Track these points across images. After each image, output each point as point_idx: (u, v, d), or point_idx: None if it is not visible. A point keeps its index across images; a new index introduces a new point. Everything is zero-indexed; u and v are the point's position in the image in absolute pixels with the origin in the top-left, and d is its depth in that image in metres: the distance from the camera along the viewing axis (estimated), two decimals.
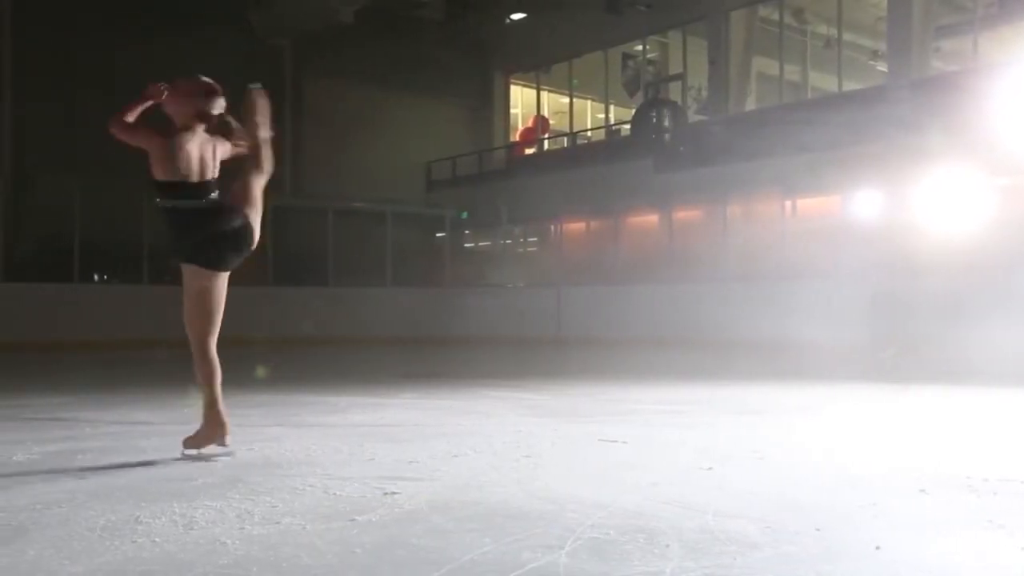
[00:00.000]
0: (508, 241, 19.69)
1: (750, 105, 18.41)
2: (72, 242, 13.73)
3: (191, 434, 3.78)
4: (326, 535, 2.51)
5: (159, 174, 3.72)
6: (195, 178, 3.74)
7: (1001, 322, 9.09)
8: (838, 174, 13.29)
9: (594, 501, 2.90)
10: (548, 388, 7.23)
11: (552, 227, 18.65)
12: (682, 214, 16.15)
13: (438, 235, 19.91)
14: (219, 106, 3.86)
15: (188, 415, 4.56)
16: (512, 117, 23.60)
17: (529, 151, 22.77)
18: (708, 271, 13.88)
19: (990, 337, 8.90)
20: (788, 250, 13.36)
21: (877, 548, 2.36)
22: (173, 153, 3.69)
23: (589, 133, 21.97)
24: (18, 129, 16.26)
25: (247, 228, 3.78)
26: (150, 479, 3.34)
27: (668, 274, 14.61)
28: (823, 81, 18.53)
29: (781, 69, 17.69)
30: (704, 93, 18.98)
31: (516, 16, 21.51)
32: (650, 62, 21.22)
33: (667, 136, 17.50)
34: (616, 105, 21.29)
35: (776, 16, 17.97)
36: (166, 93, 3.75)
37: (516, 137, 23.37)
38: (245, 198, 3.80)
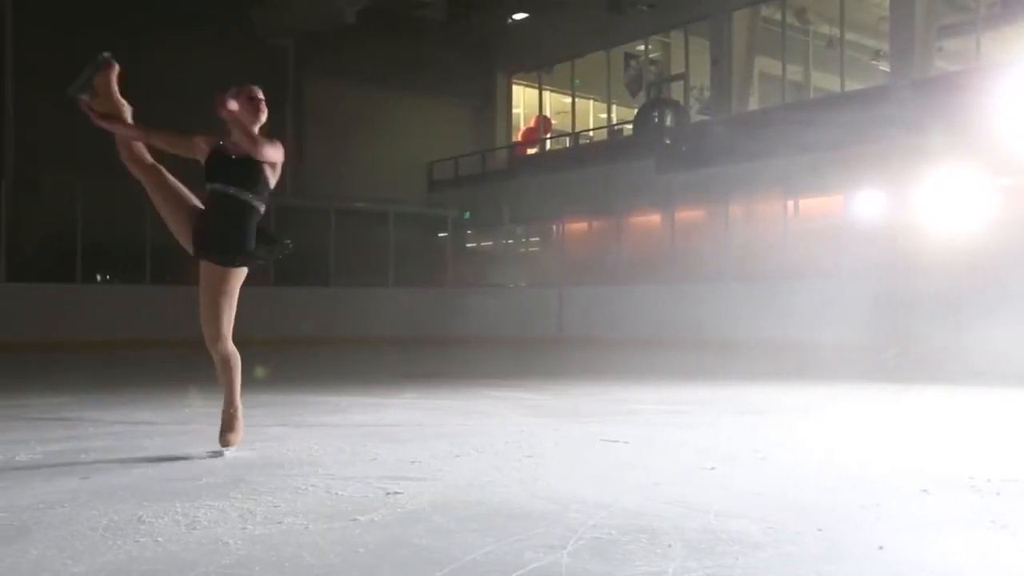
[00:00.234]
0: (510, 241, 19.69)
1: (752, 105, 18.40)
2: (74, 242, 13.73)
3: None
4: (328, 535, 2.51)
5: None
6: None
7: (1003, 322, 9.08)
8: (840, 174, 13.28)
9: (596, 501, 2.90)
10: (550, 388, 7.23)
11: (554, 227, 18.64)
12: (684, 214, 16.14)
13: (440, 235, 19.91)
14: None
15: (190, 415, 4.58)
16: (514, 117, 23.59)
17: (531, 151, 22.77)
18: (710, 271, 13.88)
19: (992, 337, 8.89)
20: (790, 250, 13.35)
21: (880, 548, 2.36)
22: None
23: (591, 133, 21.97)
24: (20, 129, 16.28)
25: None
26: (152, 479, 3.34)
27: (670, 274, 14.60)
28: (825, 81, 18.52)
29: (783, 69, 17.68)
30: (706, 93, 18.97)
31: (518, 16, 21.52)
32: (652, 62, 21.21)
33: (669, 136, 17.48)
34: (618, 105, 21.29)
35: (778, 16, 17.95)
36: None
37: (518, 137, 23.37)
38: None
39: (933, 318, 10.26)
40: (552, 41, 20.82)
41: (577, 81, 21.79)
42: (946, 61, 16.79)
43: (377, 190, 19.14)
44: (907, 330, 10.69)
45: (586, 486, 3.16)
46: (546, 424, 4.92)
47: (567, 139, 21.64)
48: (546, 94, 22.87)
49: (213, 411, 4.05)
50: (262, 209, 3.90)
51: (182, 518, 2.70)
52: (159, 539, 2.46)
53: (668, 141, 17.31)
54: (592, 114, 22.85)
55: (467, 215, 20.09)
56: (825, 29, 18.57)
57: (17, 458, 3.80)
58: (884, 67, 17.58)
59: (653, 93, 19.54)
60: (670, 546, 2.38)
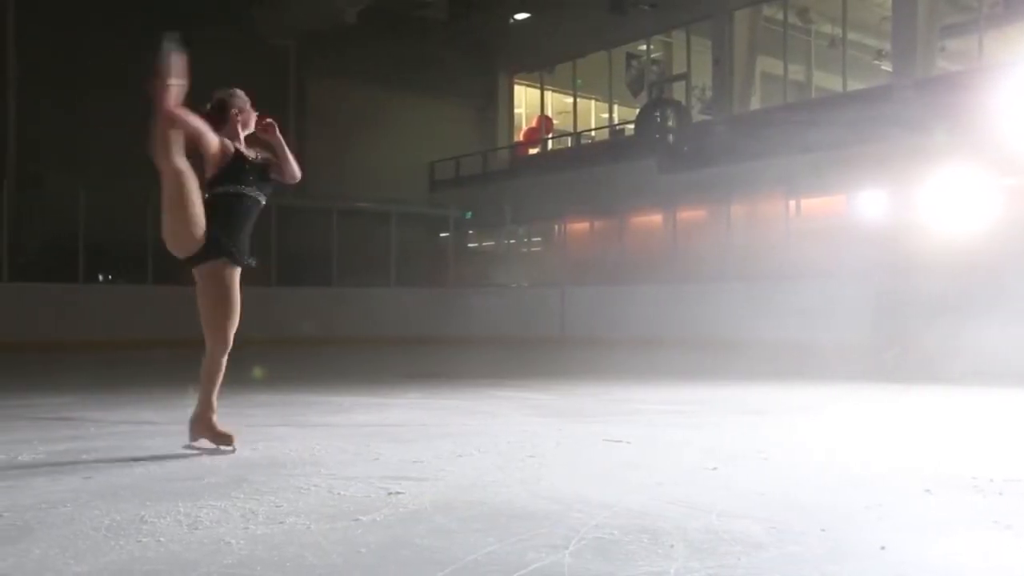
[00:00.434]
0: (512, 241, 19.69)
1: (754, 105, 18.38)
2: (77, 242, 13.75)
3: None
4: (330, 535, 2.51)
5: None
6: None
7: (1006, 323, 9.05)
8: (842, 174, 13.26)
9: (599, 501, 2.90)
10: (552, 388, 7.23)
11: (556, 227, 18.63)
12: (686, 214, 16.12)
13: (442, 235, 19.91)
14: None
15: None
16: (516, 117, 23.59)
17: (533, 151, 22.76)
18: (712, 271, 13.86)
19: (995, 338, 8.87)
20: (792, 250, 13.33)
21: (882, 548, 2.36)
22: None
23: (593, 133, 21.96)
24: (23, 130, 16.30)
25: None
26: (155, 479, 3.34)
27: (672, 274, 14.59)
28: (827, 81, 18.50)
29: (785, 69, 17.66)
30: (708, 93, 18.96)
31: (520, 16, 21.50)
32: (654, 62, 21.21)
33: (671, 136, 17.46)
34: (620, 105, 21.28)
35: (780, 16, 17.94)
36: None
37: (520, 137, 23.37)
38: None
39: (935, 318, 10.23)
40: (554, 41, 20.81)
41: (579, 81, 21.78)
42: (948, 61, 16.77)
43: (379, 190, 19.14)
44: (909, 330, 10.67)
45: (589, 486, 3.15)
46: (549, 424, 4.92)
47: (569, 139, 21.63)
48: (548, 94, 22.86)
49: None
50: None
51: (184, 518, 2.70)
52: (161, 539, 2.47)
53: (670, 141, 17.30)
54: (594, 114, 22.84)
55: (469, 215, 20.09)
56: (827, 29, 18.55)
57: (20, 458, 3.81)
58: (886, 67, 17.56)
59: (655, 93, 19.53)
60: (672, 546, 2.37)
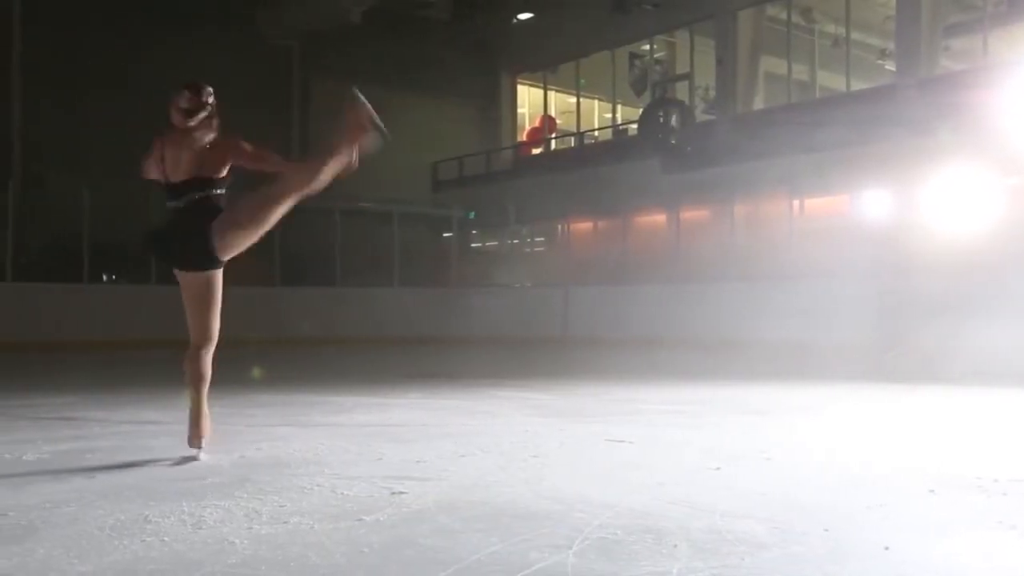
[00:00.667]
0: (515, 241, 19.69)
1: (758, 105, 18.35)
2: (80, 242, 13.77)
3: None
4: (334, 534, 2.51)
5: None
6: (173, 178, 3.72)
7: (1009, 323, 9.04)
8: (846, 174, 13.25)
9: (601, 501, 2.90)
10: (555, 388, 7.23)
11: (559, 227, 18.62)
12: (689, 214, 16.11)
13: (445, 235, 19.92)
14: (184, 100, 3.75)
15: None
16: (519, 117, 23.59)
17: (536, 151, 22.75)
18: (715, 271, 13.85)
19: (997, 337, 8.86)
20: (795, 250, 13.32)
21: (885, 549, 2.36)
22: (162, 153, 3.71)
23: (596, 133, 21.95)
24: (27, 130, 16.33)
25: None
26: (159, 478, 3.35)
27: (675, 274, 14.57)
28: (831, 80, 18.47)
29: (789, 68, 17.64)
30: (711, 93, 18.94)
31: (523, 16, 21.51)
32: (657, 62, 21.19)
33: (674, 136, 17.45)
34: (623, 105, 21.27)
35: (784, 15, 17.92)
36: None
37: (523, 137, 23.36)
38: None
39: (937, 318, 10.22)
40: (557, 41, 20.80)
41: (582, 81, 21.78)
42: (952, 60, 16.74)
43: (382, 190, 19.11)
44: (912, 330, 10.65)
45: (591, 486, 3.15)
46: (551, 424, 4.92)
47: (572, 139, 21.62)
48: (551, 94, 22.86)
49: (218, 411, 4.05)
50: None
51: (188, 518, 2.71)
52: (165, 538, 2.47)
53: (673, 141, 17.29)
54: (597, 114, 22.82)
55: (472, 215, 20.09)
56: (831, 28, 18.52)
57: (24, 457, 3.82)
58: (890, 66, 17.53)
59: (658, 93, 19.52)
60: (675, 546, 2.37)
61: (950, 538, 2.51)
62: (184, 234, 3.70)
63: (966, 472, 3.38)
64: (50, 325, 12.98)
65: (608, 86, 21.18)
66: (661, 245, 16.06)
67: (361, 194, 18.53)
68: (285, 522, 2.66)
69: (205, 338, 3.82)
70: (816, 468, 3.58)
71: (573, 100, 22.17)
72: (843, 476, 3.39)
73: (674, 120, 17.59)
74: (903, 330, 10.56)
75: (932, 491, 3.06)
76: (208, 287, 3.81)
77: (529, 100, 23.79)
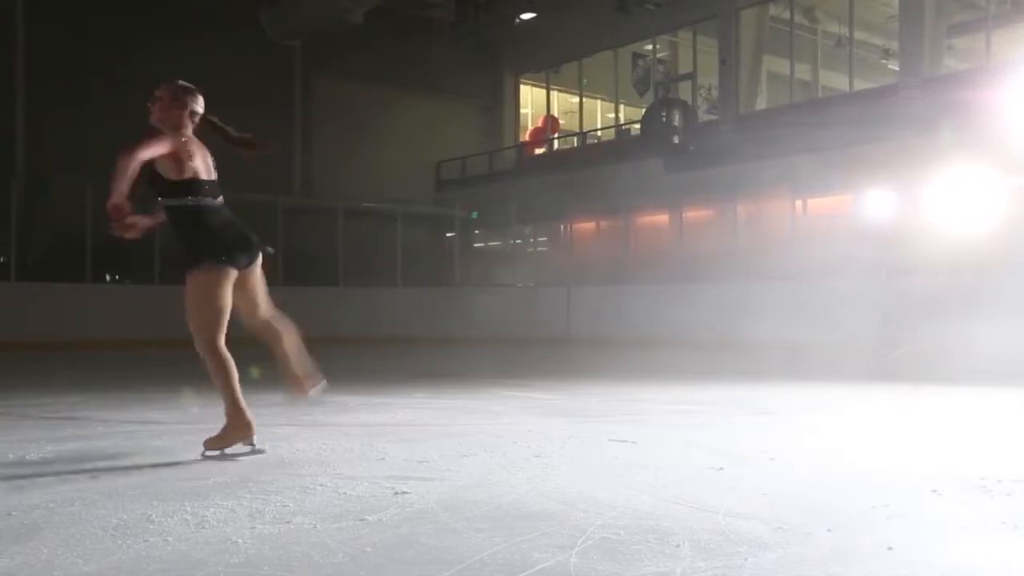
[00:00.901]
0: (518, 241, 19.68)
1: (760, 104, 18.35)
2: (84, 242, 13.79)
3: (213, 435, 3.80)
4: (337, 534, 2.51)
5: (175, 173, 3.73)
6: (205, 175, 3.79)
7: (1013, 322, 9.03)
8: (849, 173, 13.22)
9: (605, 501, 2.90)
10: (558, 388, 7.22)
11: (562, 227, 18.62)
12: (692, 214, 16.10)
13: (448, 235, 19.92)
14: (201, 104, 3.90)
15: (199, 415, 4.59)
16: (522, 117, 23.59)
17: (539, 151, 22.75)
18: (718, 271, 13.84)
19: (1001, 337, 8.84)
20: (798, 250, 13.30)
21: (889, 549, 2.35)
22: (189, 151, 3.73)
23: (599, 133, 21.94)
24: (31, 130, 16.35)
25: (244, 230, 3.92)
26: (162, 478, 3.35)
27: (678, 274, 14.57)
28: (834, 80, 18.45)
29: (792, 68, 17.63)
30: (714, 92, 18.93)
31: (526, 16, 21.49)
32: (660, 61, 21.19)
33: (677, 136, 17.45)
34: (626, 105, 21.26)
35: (787, 15, 17.91)
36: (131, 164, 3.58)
37: (526, 137, 23.36)
38: None
39: (942, 318, 10.20)
40: (560, 41, 20.81)
41: (585, 81, 21.78)
42: (956, 59, 16.72)
43: (385, 190, 19.16)
44: (915, 330, 10.64)
45: (595, 486, 3.15)
46: (554, 424, 4.92)
47: (575, 139, 21.62)
48: (554, 94, 22.86)
49: (220, 410, 4.05)
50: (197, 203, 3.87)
51: (191, 517, 2.71)
52: (168, 538, 2.47)
53: (676, 141, 17.29)
54: (600, 114, 22.82)
55: (475, 215, 20.09)
56: (834, 28, 18.51)
57: (28, 457, 3.82)
58: (893, 66, 17.52)
59: (661, 93, 19.51)
60: (679, 546, 2.37)
61: (954, 538, 2.50)
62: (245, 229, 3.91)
63: (970, 472, 3.37)
64: (53, 325, 13.00)
65: (611, 86, 21.17)
66: (664, 245, 16.05)
67: (364, 194, 18.59)
68: (288, 522, 2.66)
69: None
70: (819, 468, 3.58)
71: (576, 100, 22.17)
72: (846, 476, 3.39)
73: (677, 120, 17.58)
74: (907, 330, 10.54)
75: (935, 491, 3.05)
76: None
77: (532, 100, 23.80)
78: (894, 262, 11.43)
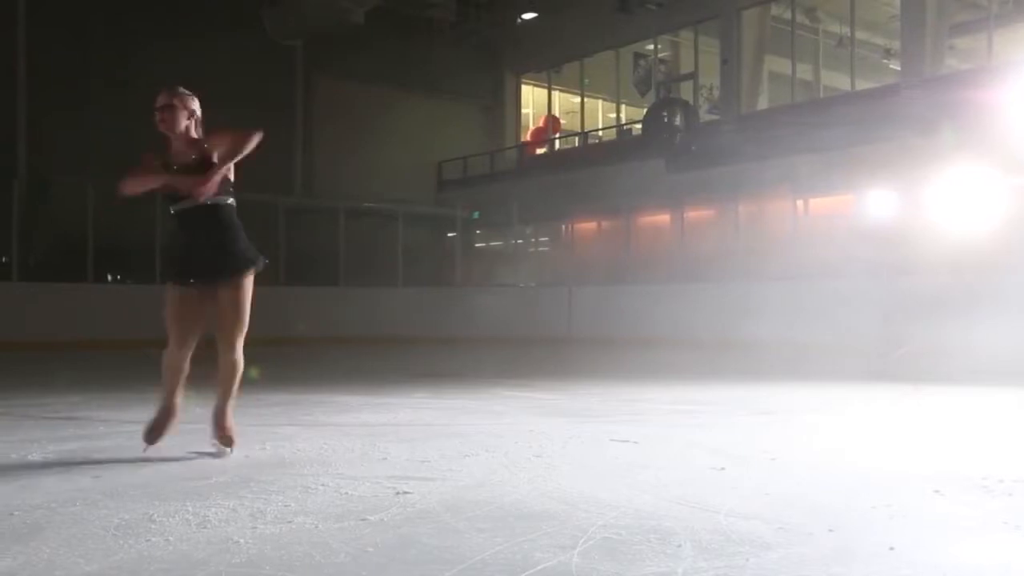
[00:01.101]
0: (519, 241, 19.68)
1: (762, 104, 18.34)
2: (86, 243, 13.80)
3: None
4: (338, 534, 2.52)
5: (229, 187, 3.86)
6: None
7: (1015, 322, 9.02)
8: (850, 173, 13.22)
9: (606, 501, 2.90)
10: (560, 388, 7.22)
11: (563, 227, 18.62)
12: (694, 213, 16.10)
13: (449, 235, 19.92)
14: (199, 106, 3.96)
15: (201, 415, 4.57)
16: (523, 117, 23.59)
17: (540, 151, 22.75)
18: (719, 271, 13.84)
19: (1003, 337, 8.83)
20: (799, 250, 13.30)
21: (891, 549, 2.35)
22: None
23: (600, 133, 21.94)
24: (32, 131, 16.36)
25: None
26: (163, 478, 3.36)
27: (679, 274, 14.56)
28: (835, 80, 18.45)
29: (793, 68, 17.62)
30: (716, 92, 18.92)
31: (527, 16, 21.51)
32: (662, 61, 21.17)
33: (679, 136, 17.44)
34: (627, 105, 21.26)
35: (788, 15, 17.90)
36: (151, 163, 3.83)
37: (527, 137, 23.36)
38: None
39: (943, 318, 10.20)
40: (561, 41, 20.81)
41: (586, 81, 21.77)
42: (957, 59, 16.72)
43: (386, 190, 19.16)
44: (917, 330, 10.63)
45: (596, 486, 3.15)
46: (556, 424, 4.92)
47: (576, 139, 21.62)
48: (555, 94, 22.85)
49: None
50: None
51: (193, 517, 2.71)
52: (170, 538, 2.47)
53: (677, 141, 17.28)
54: (601, 114, 22.82)
55: (476, 215, 20.09)
56: (835, 28, 18.50)
57: (29, 457, 3.83)
58: (895, 66, 17.51)
59: (662, 92, 19.51)
60: (680, 546, 2.37)
61: (955, 538, 2.50)
62: None
63: (971, 472, 3.37)
64: (55, 325, 13.00)
65: (612, 86, 21.17)
66: (665, 245, 16.05)
67: (365, 194, 18.59)
68: (289, 522, 2.66)
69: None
70: (821, 469, 3.58)
71: (577, 100, 22.17)
72: (848, 476, 3.38)
73: (678, 120, 17.57)
74: (909, 330, 10.54)
75: (937, 491, 3.05)
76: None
77: (533, 100, 23.79)
78: (895, 262, 11.42)
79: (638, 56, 21.21)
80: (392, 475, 3.37)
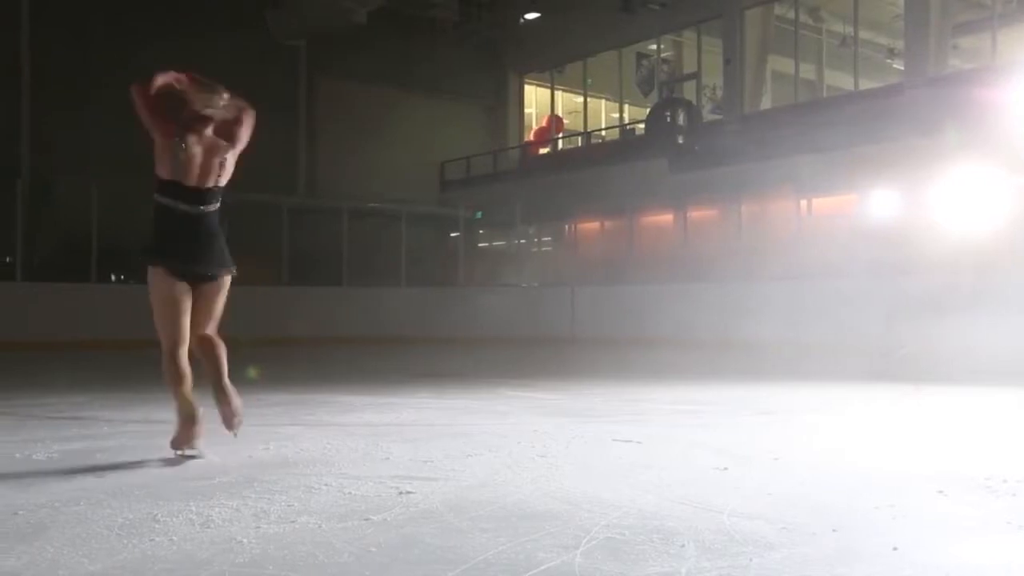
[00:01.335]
0: (522, 241, 19.67)
1: (765, 104, 18.32)
2: (90, 243, 13.81)
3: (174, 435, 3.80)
4: (341, 534, 2.52)
5: (162, 172, 3.81)
6: (190, 182, 3.77)
7: (1015, 322, 9.01)
8: (853, 173, 13.21)
9: (609, 501, 2.90)
10: (563, 388, 7.22)
11: (566, 227, 18.61)
12: (696, 213, 16.09)
13: (452, 235, 19.91)
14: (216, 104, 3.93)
15: (204, 415, 4.57)
16: (526, 117, 23.60)
17: (543, 151, 22.76)
18: (722, 271, 13.83)
19: (1006, 337, 8.82)
20: (802, 250, 13.28)
21: (894, 549, 2.35)
22: (175, 153, 3.74)
23: (603, 133, 21.94)
24: (35, 132, 16.40)
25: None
26: (167, 478, 3.36)
27: (682, 274, 14.55)
28: (839, 80, 18.44)
29: (796, 68, 17.60)
30: (719, 92, 18.91)
31: (530, 16, 21.51)
32: (664, 61, 21.17)
33: (681, 136, 17.44)
34: (630, 104, 21.26)
35: (791, 14, 17.88)
36: (187, 81, 3.86)
37: (530, 137, 23.37)
38: None
39: (946, 318, 10.19)
40: (564, 41, 20.80)
41: (589, 81, 21.77)
42: (961, 59, 16.68)
43: (389, 190, 19.17)
44: (920, 330, 10.62)
45: (599, 486, 3.15)
46: (559, 424, 4.92)
47: (579, 139, 21.62)
48: (558, 94, 22.85)
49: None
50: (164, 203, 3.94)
51: (196, 517, 2.72)
52: (174, 538, 2.48)
53: (680, 141, 17.28)
54: (604, 114, 22.82)
55: (479, 215, 20.09)
56: (839, 27, 18.49)
57: (34, 457, 3.83)
58: (898, 65, 17.48)
59: (665, 92, 19.51)
60: (683, 546, 2.37)
61: (959, 539, 2.50)
62: None
63: (975, 472, 3.36)
64: (58, 325, 13.01)
65: (615, 86, 21.17)
66: (668, 245, 16.04)
67: (368, 194, 18.60)
68: (293, 521, 2.67)
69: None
70: (825, 468, 3.57)
71: (580, 100, 22.17)
72: (850, 477, 3.38)
73: (681, 120, 17.57)
74: (913, 330, 10.52)
75: (941, 491, 3.05)
76: None
77: (536, 100, 23.80)
78: (898, 262, 11.41)
79: (641, 56, 21.20)
80: (395, 475, 3.37)
